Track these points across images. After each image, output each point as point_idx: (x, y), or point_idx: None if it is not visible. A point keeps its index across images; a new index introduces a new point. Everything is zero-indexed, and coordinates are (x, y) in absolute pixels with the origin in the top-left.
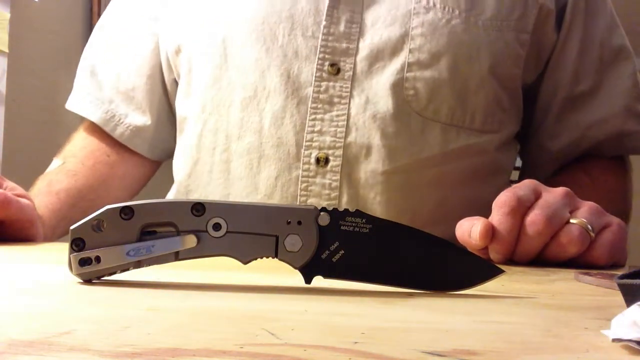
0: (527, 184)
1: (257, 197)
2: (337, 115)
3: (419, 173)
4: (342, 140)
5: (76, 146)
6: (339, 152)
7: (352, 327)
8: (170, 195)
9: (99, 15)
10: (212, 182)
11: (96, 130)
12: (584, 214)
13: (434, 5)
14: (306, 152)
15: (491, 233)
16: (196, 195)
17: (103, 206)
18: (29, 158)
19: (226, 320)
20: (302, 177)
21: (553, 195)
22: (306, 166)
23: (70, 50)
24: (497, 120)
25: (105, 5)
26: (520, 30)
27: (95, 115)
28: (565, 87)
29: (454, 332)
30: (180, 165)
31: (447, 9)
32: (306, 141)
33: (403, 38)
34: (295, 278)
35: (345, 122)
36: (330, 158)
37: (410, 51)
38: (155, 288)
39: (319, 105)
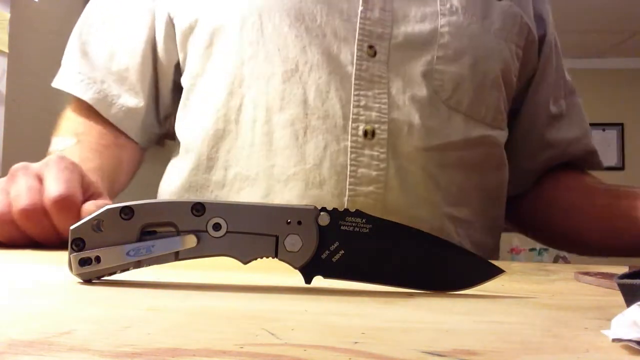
0: None
1: (306, 166)
2: (379, 93)
3: (448, 154)
4: (387, 116)
5: (81, 125)
6: (385, 126)
7: (352, 327)
8: (184, 173)
9: None
10: (253, 154)
11: (90, 110)
12: None
13: (457, 10)
14: (354, 125)
15: None
16: (235, 170)
17: (117, 189)
18: (29, 158)
19: (226, 320)
20: (352, 148)
21: None
22: (354, 138)
23: None
24: (502, 119)
25: None
26: (517, 44)
27: (86, 94)
28: (547, 108)
29: (454, 332)
30: (209, 143)
31: (467, 14)
32: (353, 114)
33: (433, 33)
34: (295, 278)
35: (387, 100)
36: (377, 131)
37: (440, 46)
38: (155, 288)
39: (362, 83)
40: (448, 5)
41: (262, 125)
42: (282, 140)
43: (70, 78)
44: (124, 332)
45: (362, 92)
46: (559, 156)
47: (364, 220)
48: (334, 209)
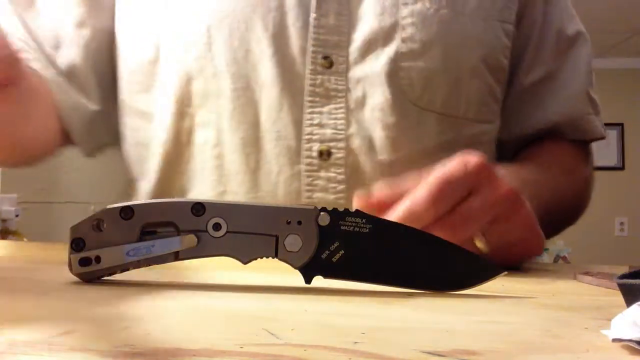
0: (465, 177)
1: (259, 193)
2: (336, 109)
3: (420, 163)
4: (344, 132)
5: None
6: (342, 144)
7: (352, 327)
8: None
9: None
10: (205, 179)
11: None
12: (496, 232)
13: None
14: (307, 146)
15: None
16: (192, 194)
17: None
18: None
19: (226, 320)
20: (306, 171)
21: (483, 200)
22: (308, 160)
23: None
24: (491, 110)
25: None
26: (504, 20)
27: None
28: (523, 75)
29: (454, 332)
30: (160, 165)
31: None
32: (306, 134)
33: (394, 27)
34: (295, 278)
35: (344, 115)
36: (333, 151)
37: (402, 40)
38: (155, 288)
39: (317, 99)
40: None
41: (212, 148)
42: (234, 165)
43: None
44: (124, 332)
45: (316, 109)
46: (535, 125)
47: (364, 220)
48: (334, 209)
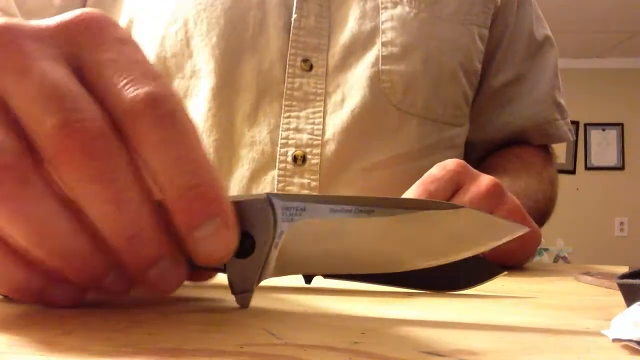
0: (448, 174)
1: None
2: (314, 113)
3: (399, 168)
4: (320, 138)
5: None
6: (317, 150)
7: (352, 327)
8: None
9: None
10: None
11: None
12: None
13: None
14: (282, 151)
15: None
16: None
17: None
18: None
19: (226, 320)
20: (279, 176)
21: (471, 194)
22: (282, 165)
23: None
24: (463, 114)
25: None
26: (481, 25)
27: None
28: (492, 77)
29: (454, 332)
30: None
31: (413, 2)
32: (282, 139)
33: (374, 32)
34: (295, 278)
35: (322, 120)
36: (308, 156)
37: (383, 44)
38: None
39: (294, 103)
40: None
41: None
42: None
43: None
44: (124, 332)
45: (293, 114)
46: (503, 129)
47: None
48: None
